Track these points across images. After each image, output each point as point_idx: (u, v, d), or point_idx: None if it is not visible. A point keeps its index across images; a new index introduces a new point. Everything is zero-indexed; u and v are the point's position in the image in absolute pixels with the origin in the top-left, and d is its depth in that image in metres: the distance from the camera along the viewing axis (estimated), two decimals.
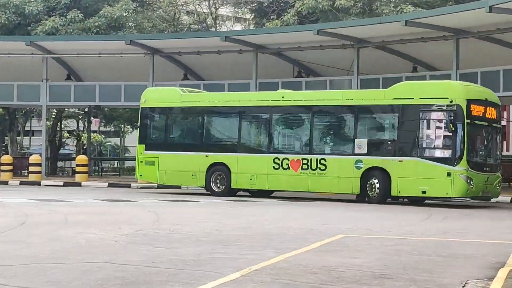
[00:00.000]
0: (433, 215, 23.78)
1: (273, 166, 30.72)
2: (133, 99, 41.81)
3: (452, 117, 25.85)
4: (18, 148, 55.49)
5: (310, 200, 30.58)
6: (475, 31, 34.08)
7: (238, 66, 40.31)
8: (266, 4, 54.29)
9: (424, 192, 27.44)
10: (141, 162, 33.95)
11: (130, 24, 50.43)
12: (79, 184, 38.17)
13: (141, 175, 34.48)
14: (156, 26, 52.15)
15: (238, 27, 68.13)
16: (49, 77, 41.50)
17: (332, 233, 17.14)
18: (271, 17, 50.37)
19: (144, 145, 33.91)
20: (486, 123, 27.10)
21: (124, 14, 49.98)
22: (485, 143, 27.80)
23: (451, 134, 26.36)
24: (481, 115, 26.57)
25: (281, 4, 51.00)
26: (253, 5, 57.26)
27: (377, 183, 28.37)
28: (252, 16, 59.70)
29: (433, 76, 36.25)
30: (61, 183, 38.98)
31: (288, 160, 30.55)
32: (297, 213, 24.91)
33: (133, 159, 50.37)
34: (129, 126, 65.48)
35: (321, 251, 14.24)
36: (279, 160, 30.69)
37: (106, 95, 42.05)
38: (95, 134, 65.99)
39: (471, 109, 25.95)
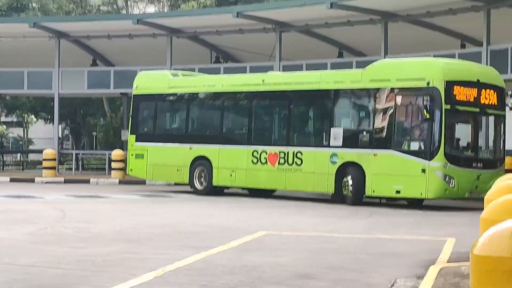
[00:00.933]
0: (359, 212, 23.52)
1: (252, 160, 28.81)
2: (37, 87, 41.40)
3: (428, 102, 22.91)
4: None
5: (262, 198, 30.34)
6: (404, 14, 33.95)
7: (152, 51, 40.08)
8: None
9: (398, 192, 24.83)
10: (131, 155, 32.49)
11: (33, 5, 49.93)
12: None
13: (131, 170, 32.76)
14: (62, 7, 51.68)
15: (151, 9, 67.60)
16: None
17: (253, 230, 17.16)
18: None
19: (134, 136, 32.49)
20: (477, 109, 24.16)
21: None
22: (476, 133, 25.00)
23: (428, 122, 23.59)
24: (470, 99, 23.49)
25: None
26: None
27: (350, 179, 25.86)
28: None
29: (360, 63, 34.31)
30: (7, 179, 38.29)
31: (266, 153, 28.48)
32: (217, 209, 24.78)
33: (38, 151, 49.96)
34: (33, 116, 64.76)
35: (241, 250, 14.24)
36: (257, 153, 28.62)
37: (8, 82, 41.44)
38: None
39: (453, 92, 23.10)
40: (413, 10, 33.49)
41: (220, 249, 13.96)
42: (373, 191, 25.44)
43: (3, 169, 48.67)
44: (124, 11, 58.81)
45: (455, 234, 17.01)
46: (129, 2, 61.44)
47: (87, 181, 36.09)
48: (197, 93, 31.40)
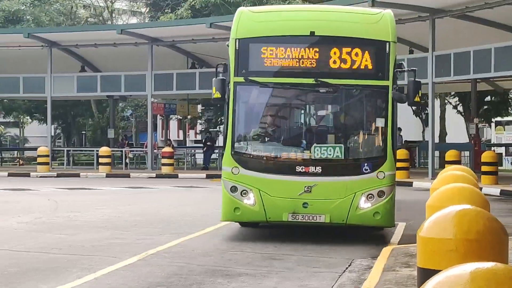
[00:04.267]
0: None
1: None
2: (32, 91, 41.27)
3: (220, 75, 13.10)
4: None
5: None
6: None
7: (134, 58, 39.89)
8: None
9: None
10: None
11: (28, 17, 49.51)
12: None
13: None
14: (54, 19, 51.32)
15: (134, 20, 67.46)
16: None
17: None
18: (166, 11, 50.01)
19: None
20: (308, 81, 12.85)
21: (22, 8, 49.22)
22: (309, 119, 14.21)
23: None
24: (291, 64, 12.80)
25: None
26: None
27: None
28: (147, 10, 59.32)
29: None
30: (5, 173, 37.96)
31: None
32: (193, 198, 24.71)
33: (33, 149, 49.72)
34: (28, 117, 64.28)
35: (215, 235, 14.24)
36: None
37: (5, 87, 41.19)
38: None
39: (261, 55, 12.84)
40: (452, 7, 30.18)
41: (196, 235, 13.98)
42: None
43: (1, 165, 48.26)
44: (109, 22, 58.48)
45: (404, 219, 17.06)
46: (113, 14, 61.24)
47: (78, 175, 35.87)
48: None
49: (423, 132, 45.30)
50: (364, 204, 12.40)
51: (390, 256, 11.37)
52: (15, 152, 56.93)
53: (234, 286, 9.60)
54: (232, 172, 12.71)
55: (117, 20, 63.70)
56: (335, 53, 12.43)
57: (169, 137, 50.39)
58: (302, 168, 12.43)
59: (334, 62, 12.42)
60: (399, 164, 30.54)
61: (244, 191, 12.57)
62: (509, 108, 44.66)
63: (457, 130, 47.44)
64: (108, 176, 35.30)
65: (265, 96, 13.47)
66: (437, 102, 41.32)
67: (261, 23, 13.00)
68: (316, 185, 12.25)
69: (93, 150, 42.21)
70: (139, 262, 11.25)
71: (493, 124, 49.93)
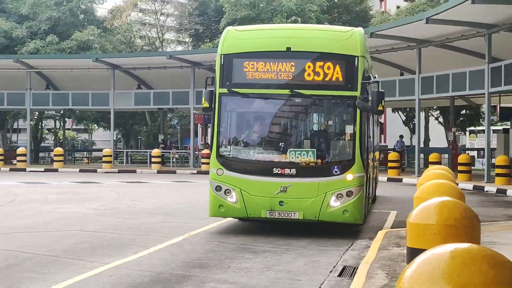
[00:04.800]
0: None
1: None
2: (98, 104, 41.53)
3: (208, 87, 12.23)
4: (8, 142, 54.28)
5: None
6: None
7: (180, 78, 39.88)
8: (201, 30, 53.93)
9: None
10: None
11: (95, 45, 49.75)
12: (56, 170, 37.33)
13: None
14: (116, 47, 51.49)
15: (179, 48, 67.50)
16: (32, 87, 40.72)
17: None
18: (205, 40, 50.01)
19: None
20: (285, 91, 11.90)
21: (91, 38, 49.59)
22: (285, 126, 13.03)
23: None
24: (269, 76, 11.72)
25: (213, 31, 50.54)
26: (191, 31, 56.87)
27: None
28: (191, 40, 59.32)
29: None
30: (42, 169, 38.07)
31: None
32: None
33: (99, 150, 50.06)
34: (95, 125, 64.62)
35: (246, 220, 14.23)
36: None
37: (77, 101, 41.40)
38: (68, 131, 65.11)
39: (237, 69, 11.97)
40: (435, 39, 29.84)
41: (229, 220, 13.96)
42: None
43: (74, 163, 48.54)
44: (160, 50, 58.64)
45: (395, 208, 17.04)
46: (163, 43, 61.56)
47: (134, 171, 35.98)
48: None
49: (411, 138, 44.97)
50: (334, 203, 11.28)
51: (385, 238, 11.34)
52: (85, 153, 57.16)
53: (259, 261, 9.64)
54: (217, 173, 11.74)
55: (166, 47, 63.80)
56: (309, 66, 11.37)
57: (207, 141, 50.43)
58: (278, 170, 11.38)
59: (308, 74, 11.35)
60: (391, 164, 30.95)
61: (228, 190, 11.60)
62: (480, 119, 44.25)
63: (438, 137, 47.33)
64: (158, 172, 35.37)
65: (246, 106, 12.27)
66: (422, 114, 41.06)
67: (243, 40, 11.91)
68: (291, 185, 11.29)
69: (146, 152, 42.34)
70: (183, 241, 11.31)
71: (467, 133, 49.48)
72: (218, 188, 11.65)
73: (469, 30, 26.93)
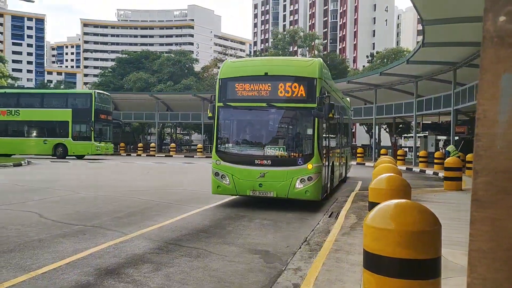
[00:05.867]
0: None
1: None
2: (195, 119, 41.67)
3: (211, 102, 10.71)
4: (145, 140, 55.10)
5: None
6: (382, 83, 32.46)
7: None
8: None
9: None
10: None
11: (194, 87, 50.31)
12: (171, 156, 37.07)
13: None
14: (205, 88, 51.87)
15: None
16: (158, 110, 41.32)
17: None
18: None
19: None
20: (261, 104, 10.18)
21: (191, 83, 50.40)
22: (259, 129, 10.83)
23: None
24: (251, 94, 10.33)
25: None
26: None
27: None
28: None
29: None
30: (163, 155, 37.61)
31: None
32: None
33: (195, 145, 50.08)
34: (193, 130, 64.94)
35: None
36: None
37: (183, 117, 41.82)
38: (179, 134, 66.10)
39: (228, 88, 10.47)
40: (384, 84, 29.87)
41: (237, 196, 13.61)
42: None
43: (181, 151, 48.97)
44: None
45: (361, 180, 16.76)
46: None
47: None
48: None
49: (370, 140, 44.34)
50: (299, 185, 9.42)
51: (355, 196, 11.19)
52: (186, 146, 57.58)
53: (254, 227, 7.66)
54: (216, 163, 10.00)
55: None
56: (281, 86, 9.72)
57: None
58: (258, 161, 9.66)
59: (281, 92, 9.69)
60: (359, 155, 30.45)
61: (223, 175, 9.90)
62: (410, 130, 43.53)
63: (385, 140, 46.70)
64: None
65: (237, 115, 10.27)
66: (377, 127, 40.50)
67: (234, 68, 10.16)
68: (267, 172, 9.57)
69: None
70: (209, 208, 9.88)
71: (403, 137, 48.62)
72: (216, 174, 9.97)
73: (405, 78, 26.51)
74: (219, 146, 10.14)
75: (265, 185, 9.60)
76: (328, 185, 10.96)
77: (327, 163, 10.57)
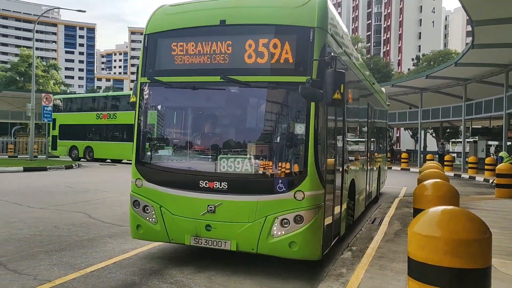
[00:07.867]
0: None
1: None
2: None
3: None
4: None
5: None
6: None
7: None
8: None
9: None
10: None
11: None
12: None
13: None
14: None
15: None
16: None
17: None
18: None
19: None
20: (217, 78, 4.81)
21: None
22: (214, 124, 5.23)
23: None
24: (200, 60, 4.81)
25: None
26: None
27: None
28: None
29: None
30: None
31: None
32: None
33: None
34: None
35: None
36: None
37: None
38: None
39: (169, 52, 5.05)
40: (430, 87, 28.05)
41: None
42: None
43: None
44: None
45: (405, 185, 16.39)
46: None
47: None
48: None
49: (415, 145, 43.13)
50: (277, 231, 4.84)
51: (399, 202, 10.95)
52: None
53: None
54: (136, 185, 5.44)
55: None
56: (249, 45, 4.94)
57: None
58: (205, 183, 5.03)
59: (249, 55, 4.93)
60: (403, 160, 29.52)
61: (146, 207, 5.34)
62: (458, 135, 41.98)
63: (432, 145, 45.42)
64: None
65: (172, 98, 5.57)
66: (422, 131, 39.43)
67: (171, 15, 5.47)
68: (220, 204, 4.96)
69: None
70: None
71: (451, 142, 47.06)
72: (136, 204, 5.44)
73: (453, 82, 25.71)
74: (141, 154, 5.56)
75: (216, 229, 5.05)
76: (341, 224, 6.29)
77: (337, 185, 5.82)
